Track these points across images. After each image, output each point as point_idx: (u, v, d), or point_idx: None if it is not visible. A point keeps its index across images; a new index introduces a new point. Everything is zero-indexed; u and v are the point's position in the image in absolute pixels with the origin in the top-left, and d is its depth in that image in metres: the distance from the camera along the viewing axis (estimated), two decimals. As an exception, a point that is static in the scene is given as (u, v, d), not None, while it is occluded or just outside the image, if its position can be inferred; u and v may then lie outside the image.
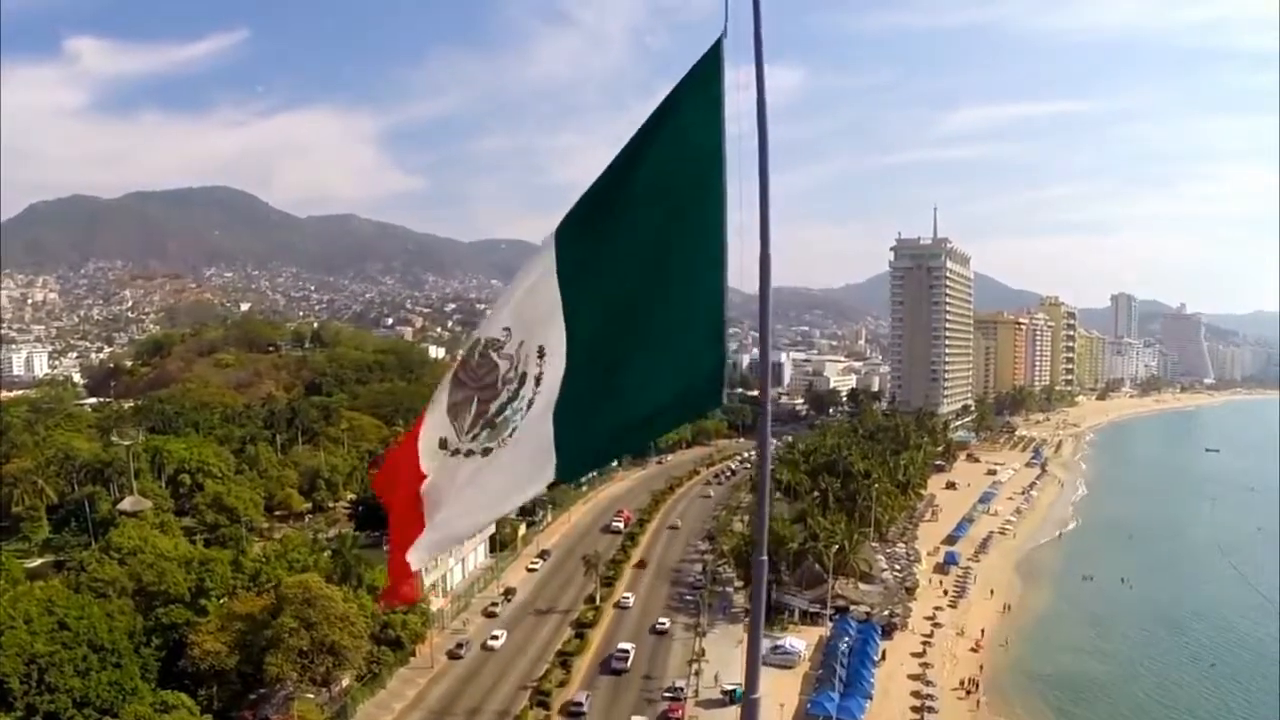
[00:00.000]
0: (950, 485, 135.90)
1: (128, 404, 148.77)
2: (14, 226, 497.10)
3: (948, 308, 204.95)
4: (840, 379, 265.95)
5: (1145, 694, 64.72)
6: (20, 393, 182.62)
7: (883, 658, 65.25)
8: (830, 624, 69.00)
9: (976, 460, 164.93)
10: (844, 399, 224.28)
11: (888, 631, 70.25)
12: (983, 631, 73.33)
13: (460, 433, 5.25)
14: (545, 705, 55.04)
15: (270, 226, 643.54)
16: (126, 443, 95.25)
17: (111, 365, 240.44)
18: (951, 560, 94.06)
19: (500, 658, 63.48)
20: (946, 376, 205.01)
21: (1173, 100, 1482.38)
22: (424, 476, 5.37)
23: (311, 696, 52.77)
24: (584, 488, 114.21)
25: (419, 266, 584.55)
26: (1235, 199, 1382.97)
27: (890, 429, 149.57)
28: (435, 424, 5.34)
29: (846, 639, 64.96)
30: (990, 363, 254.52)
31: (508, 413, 5.15)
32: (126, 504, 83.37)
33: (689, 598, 75.20)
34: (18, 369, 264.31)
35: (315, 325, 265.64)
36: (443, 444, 5.29)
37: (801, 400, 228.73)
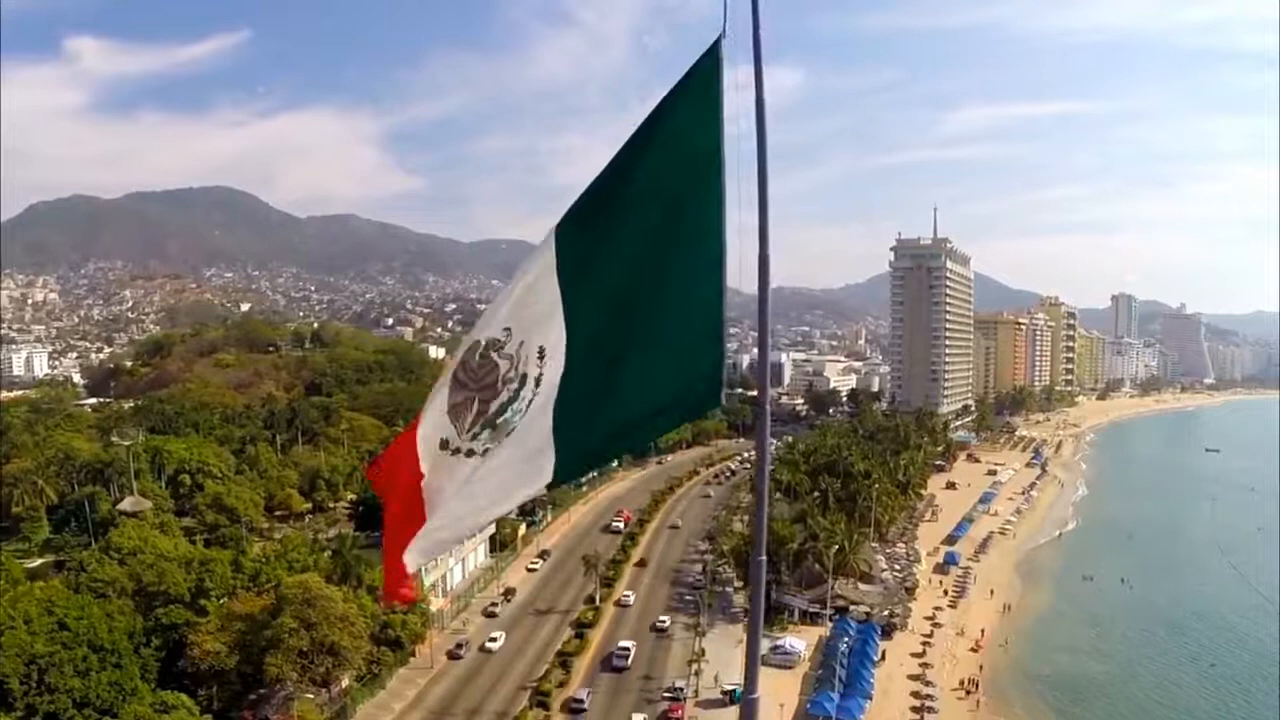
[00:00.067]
0: (950, 485, 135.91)
1: (128, 404, 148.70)
2: (14, 227, 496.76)
3: (948, 308, 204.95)
4: (840, 379, 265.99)
5: (1145, 694, 64.71)
6: (20, 393, 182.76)
7: (882, 658, 65.22)
8: (830, 624, 68.95)
9: (976, 460, 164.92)
10: (844, 399, 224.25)
11: (887, 631, 70.22)
12: (983, 631, 73.33)
13: (461, 432, 5.25)
14: (545, 705, 55.05)
15: (270, 227, 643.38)
16: (126, 443, 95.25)
17: (111, 365, 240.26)
18: (951, 560, 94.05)
19: (500, 658, 63.47)
20: (946, 377, 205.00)
21: (1174, 101, 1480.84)
22: (423, 476, 5.37)
23: (311, 697, 52.77)
24: (584, 488, 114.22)
25: (419, 267, 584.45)
26: (1236, 199, 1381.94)
27: (890, 429, 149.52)
28: (436, 424, 5.33)
29: (846, 639, 64.94)
30: (990, 363, 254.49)
31: (508, 413, 5.15)
32: (126, 504, 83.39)
33: (689, 598, 75.18)
34: (18, 369, 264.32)
35: (315, 325, 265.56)
36: (444, 444, 5.29)
37: (801, 400, 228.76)
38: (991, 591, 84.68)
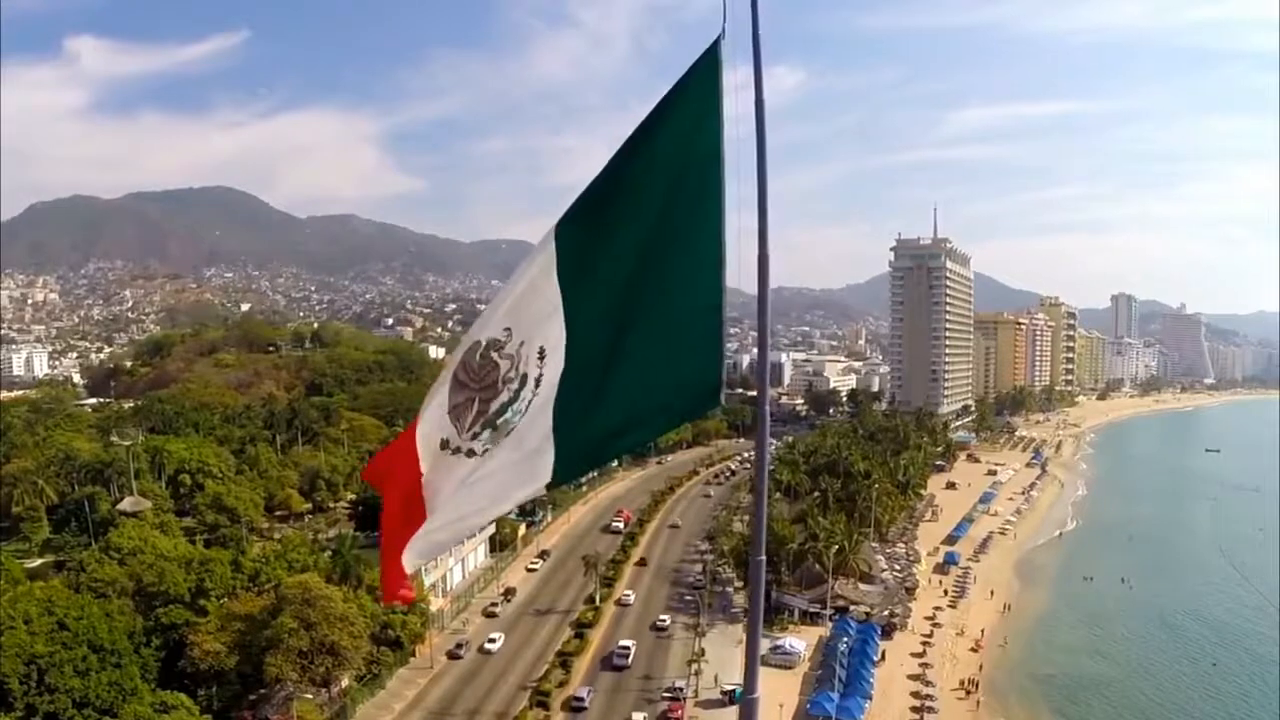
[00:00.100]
0: (950, 485, 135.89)
1: (128, 404, 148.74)
2: (14, 227, 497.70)
3: (948, 308, 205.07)
4: (840, 379, 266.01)
5: (1145, 694, 64.68)
6: (20, 393, 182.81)
7: (882, 658, 65.21)
8: (830, 624, 68.96)
9: (976, 460, 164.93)
10: (844, 399, 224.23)
11: (887, 632, 70.21)
12: (982, 632, 73.30)
13: (461, 431, 5.24)
14: (545, 705, 55.06)
15: (271, 227, 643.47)
16: (126, 443, 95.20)
17: (111, 365, 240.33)
18: (951, 560, 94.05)
19: (500, 658, 63.47)
20: (946, 377, 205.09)
21: (1175, 100, 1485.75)
22: (423, 476, 5.36)
23: (311, 697, 52.78)
24: (584, 488, 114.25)
25: (419, 267, 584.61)
26: (1238, 199, 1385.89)
27: (890, 429, 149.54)
28: (437, 424, 5.32)
29: (846, 639, 64.92)
30: (990, 363, 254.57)
31: (508, 414, 5.14)
32: (126, 504, 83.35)
33: (689, 598, 75.18)
34: (18, 369, 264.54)
35: (315, 325, 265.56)
36: (444, 444, 5.29)
37: (801, 400, 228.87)
38: (991, 592, 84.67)
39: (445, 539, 5.51)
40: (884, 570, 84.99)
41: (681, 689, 57.26)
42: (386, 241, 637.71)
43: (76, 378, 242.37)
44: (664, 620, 70.01)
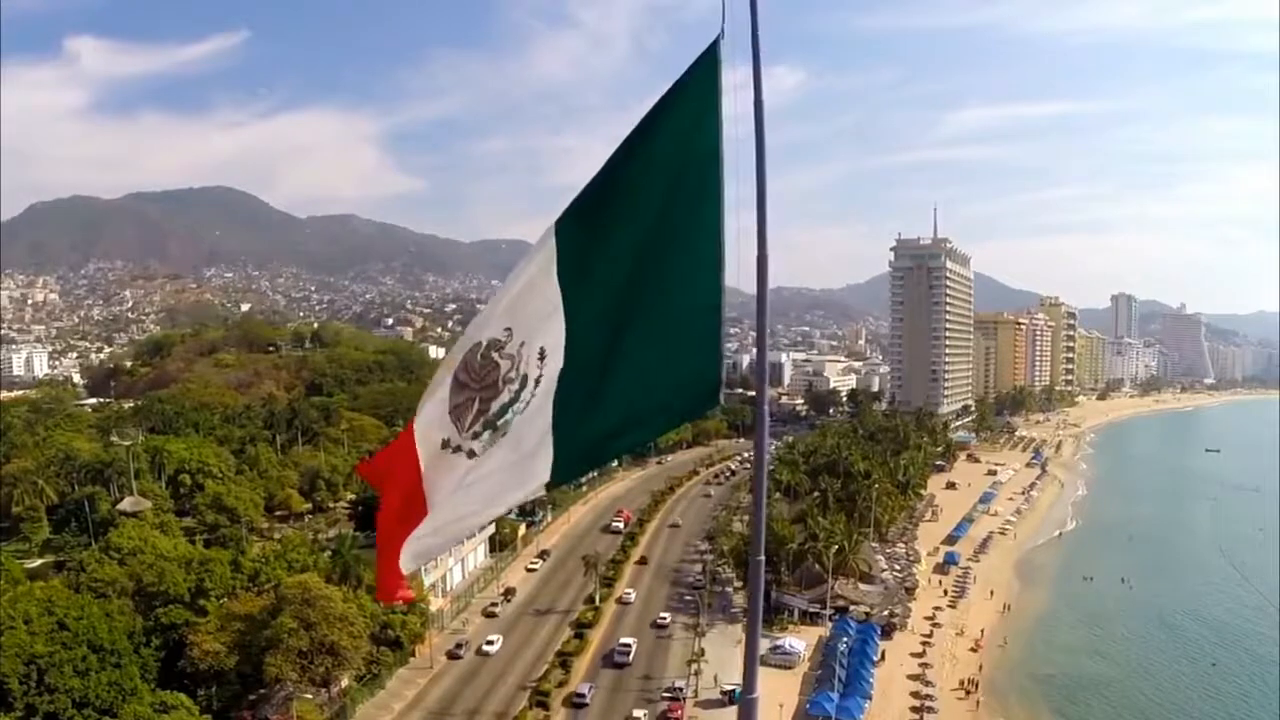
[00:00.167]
0: (950, 485, 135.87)
1: (128, 404, 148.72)
2: (14, 227, 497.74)
3: (948, 308, 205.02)
4: (840, 379, 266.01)
5: (1144, 694, 64.69)
6: (20, 393, 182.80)
7: (882, 658, 65.20)
8: (830, 624, 68.97)
9: (976, 460, 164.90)
10: (844, 399, 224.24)
11: (887, 632, 70.21)
12: (982, 632, 73.30)
13: (461, 430, 5.24)
14: (545, 705, 55.07)
15: (271, 227, 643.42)
16: (126, 443, 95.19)
17: (111, 365, 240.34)
18: (951, 560, 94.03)
19: (499, 658, 63.47)
20: (946, 377, 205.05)
21: (1174, 101, 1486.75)
22: (423, 474, 5.36)
23: (311, 697, 52.78)
24: (584, 488, 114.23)
25: (419, 267, 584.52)
26: (1236, 200, 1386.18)
27: (890, 429, 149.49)
28: (437, 424, 5.31)
29: (846, 639, 64.92)
30: (990, 363, 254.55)
31: (509, 414, 5.14)
32: (126, 504, 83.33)
33: (689, 598, 75.22)
34: (18, 369, 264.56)
35: (315, 325, 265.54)
36: (445, 444, 5.29)
37: (801, 400, 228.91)
38: (991, 592, 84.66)
39: (442, 540, 5.51)
40: (884, 570, 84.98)
41: (681, 689, 57.28)
42: (386, 241, 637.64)
43: (76, 378, 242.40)
44: (664, 618, 70.18)
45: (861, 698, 56.86)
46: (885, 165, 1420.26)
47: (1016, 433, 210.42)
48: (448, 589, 74.95)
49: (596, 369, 4.99)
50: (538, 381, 5.09)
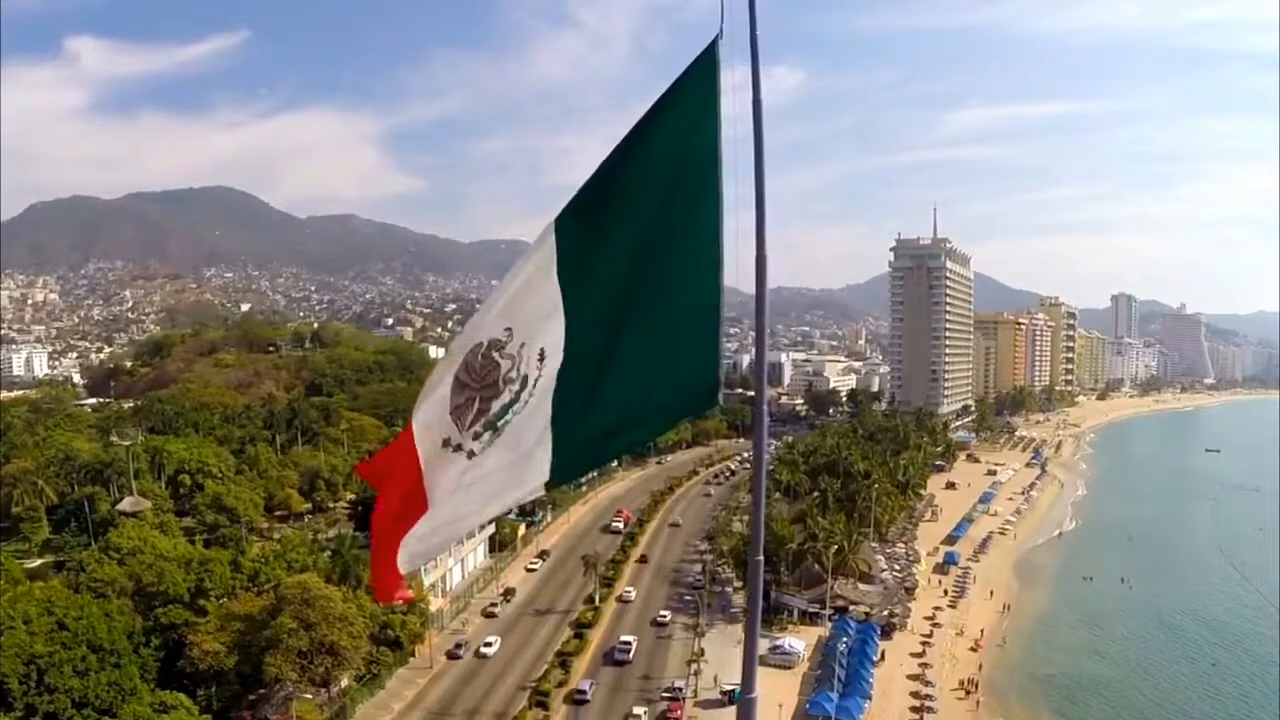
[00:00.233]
0: (950, 485, 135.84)
1: (128, 404, 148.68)
2: (14, 227, 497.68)
3: (948, 308, 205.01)
4: (840, 379, 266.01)
5: (1144, 694, 64.68)
6: (20, 393, 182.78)
7: (882, 658, 65.19)
8: (829, 624, 68.96)
9: (976, 460, 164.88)
10: (844, 399, 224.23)
11: (887, 632, 70.20)
12: (982, 632, 73.28)
13: (462, 430, 5.24)
14: (544, 705, 55.08)
15: (270, 227, 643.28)
16: (126, 443, 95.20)
17: (111, 365, 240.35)
18: (951, 560, 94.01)
19: (499, 658, 63.47)
20: (946, 377, 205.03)
21: (1174, 101, 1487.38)
22: (423, 472, 5.36)
23: (310, 697, 52.77)
24: (583, 488, 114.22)
25: (419, 267, 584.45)
26: (1235, 200, 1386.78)
27: (890, 429, 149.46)
28: (437, 424, 5.31)
29: (845, 639, 64.92)
30: (990, 363, 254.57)
31: (509, 415, 5.14)
32: (126, 504, 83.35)
33: (688, 598, 75.24)
34: (18, 369, 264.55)
35: (315, 325, 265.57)
36: (445, 443, 5.29)
37: (801, 400, 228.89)
38: (991, 592, 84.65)
39: (440, 541, 5.51)
40: (883, 570, 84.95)
41: (681, 689, 57.28)
42: (386, 241, 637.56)
43: (76, 378, 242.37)
44: (664, 616, 70.35)
45: (861, 698, 56.85)
46: (885, 165, 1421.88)
47: (1016, 433, 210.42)
48: (447, 589, 74.94)
49: (595, 368, 4.99)
50: (537, 382, 5.09)
